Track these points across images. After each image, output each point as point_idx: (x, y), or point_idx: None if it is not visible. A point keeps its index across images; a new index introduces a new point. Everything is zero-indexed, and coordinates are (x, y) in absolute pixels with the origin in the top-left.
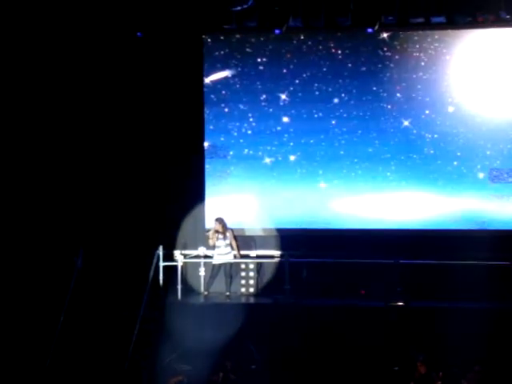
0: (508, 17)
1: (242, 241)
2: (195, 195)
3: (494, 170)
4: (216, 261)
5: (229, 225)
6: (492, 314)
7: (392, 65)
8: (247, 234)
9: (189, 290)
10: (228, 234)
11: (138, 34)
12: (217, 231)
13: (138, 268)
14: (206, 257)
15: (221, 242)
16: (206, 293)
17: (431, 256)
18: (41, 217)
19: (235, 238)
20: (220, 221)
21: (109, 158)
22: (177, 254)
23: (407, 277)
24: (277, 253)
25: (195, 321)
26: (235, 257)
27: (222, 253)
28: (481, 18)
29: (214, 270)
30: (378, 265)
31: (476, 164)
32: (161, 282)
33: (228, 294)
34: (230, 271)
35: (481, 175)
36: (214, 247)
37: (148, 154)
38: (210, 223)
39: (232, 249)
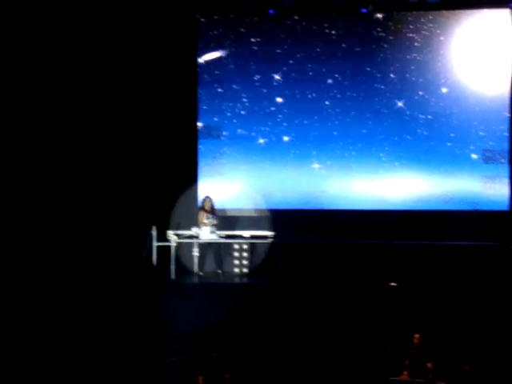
0: None
1: (236, 221)
2: (188, 175)
3: (486, 151)
4: (204, 239)
5: (222, 205)
6: (483, 294)
7: (386, 45)
8: (240, 214)
9: (182, 270)
10: (215, 213)
11: (130, 12)
12: (206, 210)
13: (131, 248)
14: (199, 237)
15: (208, 220)
16: (201, 273)
17: (424, 236)
18: (36, 197)
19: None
20: (210, 200)
21: (102, 140)
22: (170, 234)
23: (400, 257)
24: (270, 233)
25: (188, 300)
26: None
27: (209, 231)
28: None
29: (204, 249)
30: (371, 245)
31: (469, 145)
32: (154, 262)
33: (220, 272)
34: (220, 250)
35: (474, 156)
36: (201, 226)
37: (141, 135)
38: None
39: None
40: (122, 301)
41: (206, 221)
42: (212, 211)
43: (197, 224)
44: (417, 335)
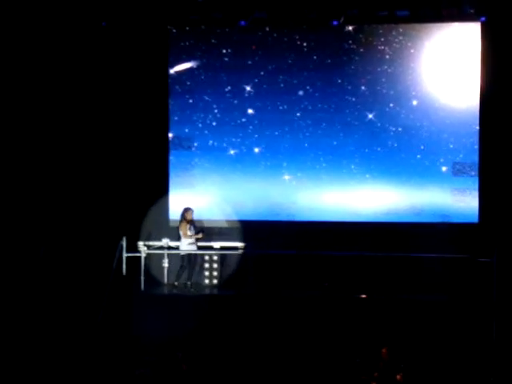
0: (472, 11)
1: (206, 232)
2: (159, 186)
3: (456, 163)
4: (185, 251)
5: (194, 216)
6: (452, 306)
7: (357, 58)
8: (211, 225)
9: (152, 281)
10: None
11: (103, 23)
12: (188, 221)
13: (101, 259)
14: (169, 248)
15: (190, 232)
16: (176, 283)
17: (394, 248)
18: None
19: None
20: (192, 211)
21: (72, 149)
22: (140, 245)
23: (370, 269)
24: (241, 245)
25: (158, 311)
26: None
27: (191, 242)
28: (445, 11)
29: (184, 261)
30: (341, 257)
31: (439, 157)
32: (124, 272)
33: (190, 283)
34: (195, 261)
35: (444, 169)
36: (182, 237)
37: (112, 145)
38: (173, 214)
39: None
40: (92, 311)
41: (189, 233)
42: (192, 222)
43: (170, 235)
44: (384, 349)
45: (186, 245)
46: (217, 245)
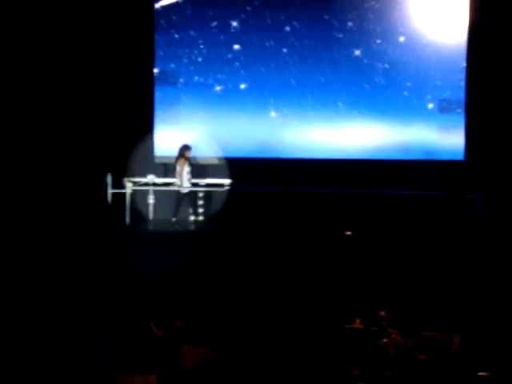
0: None
1: (192, 169)
2: (144, 122)
3: (443, 100)
4: (186, 188)
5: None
6: (437, 242)
7: None
8: (197, 162)
9: (138, 217)
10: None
11: None
12: (186, 159)
13: (86, 195)
14: (154, 184)
15: (188, 169)
16: (174, 219)
17: (380, 186)
18: None
19: None
20: (191, 149)
21: (58, 84)
22: (126, 181)
23: (356, 206)
24: (227, 182)
25: (143, 248)
26: None
27: (189, 179)
28: None
29: (183, 198)
30: (326, 194)
31: (426, 94)
32: (109, 208)
33: (176, 219)
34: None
35: (430, 106)
36: (179, 174)
37: (96, 81)
38: (159, 151)
39: None
40: (76, 248)
41: (187, 169)
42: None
43: (159, 171)
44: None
45: (186, 181)
46: (202, 181)
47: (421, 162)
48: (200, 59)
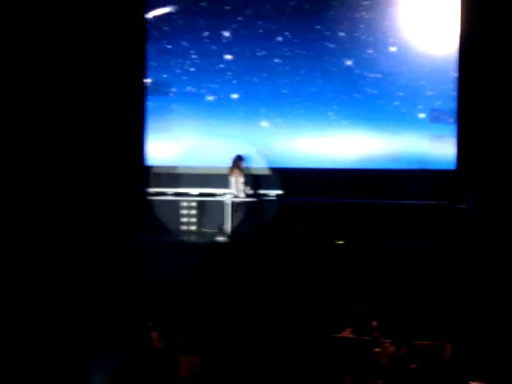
0: None
1: (184, 178)
2: (136, 132)
3: (434, 110)
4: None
5: (170, 163)
6: (429, 252)
7: (335, 3)
8: (188, 171)
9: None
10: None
11: None
12: (240, 169)
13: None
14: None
15: (242, 180)
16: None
17: (372, 195)
18: None
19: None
20: (243, 159)
21: (49, 94)
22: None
23: (348, 216)
24: (218, 191)
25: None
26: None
27: (244, 190)
28: None
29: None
30: (318, 204)
31: (417, 104)
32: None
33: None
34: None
35: (421, 115)
36: (233, 184)
37: (88, 91)
38: (151, 160)
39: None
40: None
41: (241, 180)
42: (242, 171)
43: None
44: (359, 306)
45: (238, 192)
46: (194, 191)
47: (412, 171)
48: (192, 69)
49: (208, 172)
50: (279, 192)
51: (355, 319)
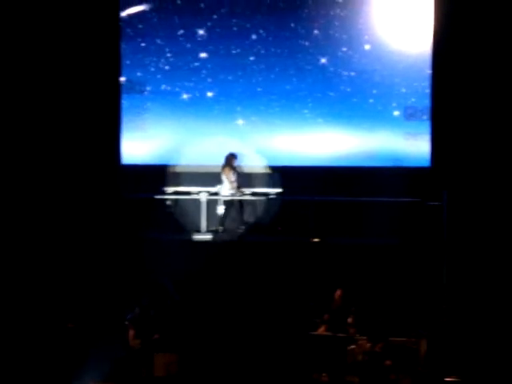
0: None
1: (160, 178)
2: (111, 130)
3: (409, 107)
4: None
5: (145, 161)
6: (404, 249)
7: (310, 1)
8: (164, 170)
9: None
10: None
11: None
12: (232, 167)
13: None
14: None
15: (234, 178)
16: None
17: (347, 192)
18: None
19: None
20: (236, 157)
21: (22, 94)
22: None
23: (323, 213)
24: (193, 189)
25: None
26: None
27: (232, 188)
28: None
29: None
30: (294, 201)
31: (391, 102)
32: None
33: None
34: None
35: (396, 113)
36: (225, 182)
37: (62, 90)
38: (126, 158)
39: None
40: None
41: (233, 178)
42: (235, 169)
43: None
44: (338, 292)
45: (228, 190)
46: (170, 189)
47: (388, 168)
48: (167, 67)
49: (184, 170)
50: (256, 190)
51: (330, 316)
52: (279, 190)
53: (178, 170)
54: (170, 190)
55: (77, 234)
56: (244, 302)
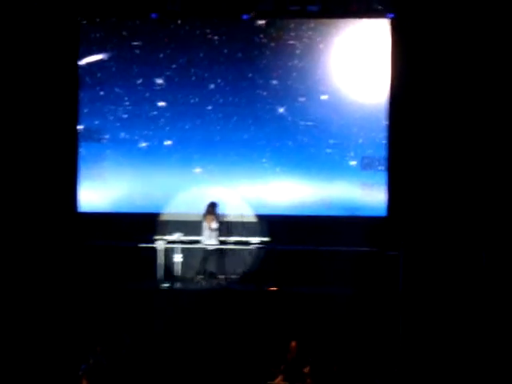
0: (380, 7)
1: (118, 227)
2: (68, 179)
3: (365, 157)
4: (213, 246)
5: (103, 209)
6: (361, 299)
7: (268, 52)
8: (122, 219)
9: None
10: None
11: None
12: (213, 215)
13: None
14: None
15: (215, 226)
16: (199, 277)
17: (305, 242)
18: None
19: None
20: (217, 205)
21: None
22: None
23: (281, 262)
24: (156, 237)
25: None
26: None
27: (216, 236)
28: (354, 7)
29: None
30: (251, 250)
31: (348, 152)
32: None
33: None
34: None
35: (353, 163)
36: (205, 231)
37: (19, 138)
38: (84, 207)
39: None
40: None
41: (214, 226)
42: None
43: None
44: (293, 343)
45: (213, 239)
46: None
47: (344, 218)
48: (125, 116)
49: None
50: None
51: (287, 366)
52: (237, 239)
53: (136, 217)
54: (129, 237)
55: (31, 280)
56: (200, 352)
